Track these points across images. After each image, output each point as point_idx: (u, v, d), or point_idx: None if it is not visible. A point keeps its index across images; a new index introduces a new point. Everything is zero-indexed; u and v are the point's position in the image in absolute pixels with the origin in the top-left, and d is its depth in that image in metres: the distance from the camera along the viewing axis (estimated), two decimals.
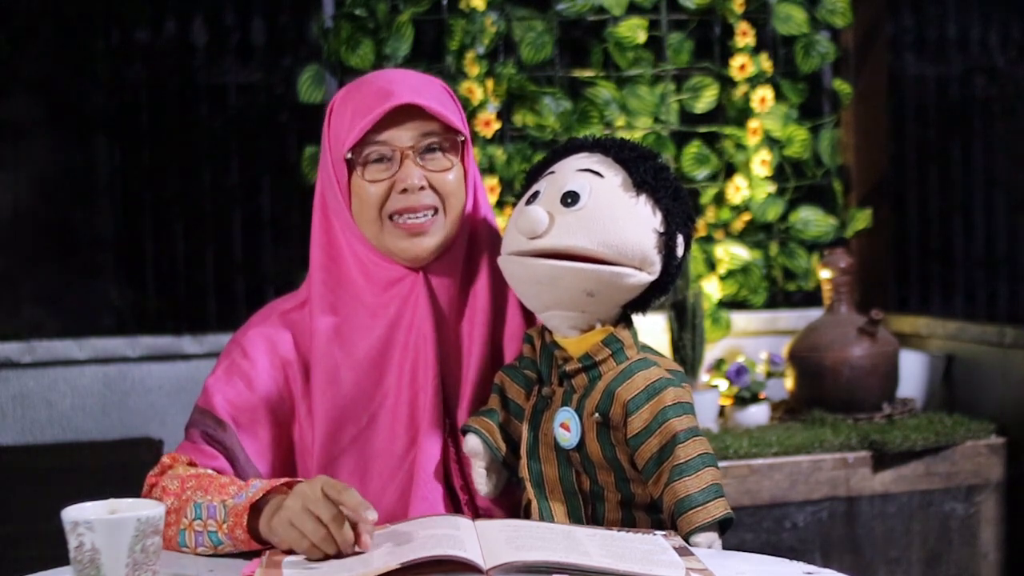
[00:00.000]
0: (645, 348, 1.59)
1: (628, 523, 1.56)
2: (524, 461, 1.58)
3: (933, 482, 3.05)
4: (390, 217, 1.63)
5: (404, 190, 1.61)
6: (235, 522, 1.47)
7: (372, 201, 1.62)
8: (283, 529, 1.43)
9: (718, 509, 1.49)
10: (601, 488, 1.56)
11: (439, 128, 1.63)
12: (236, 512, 1.48)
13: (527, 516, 1.58)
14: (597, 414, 1.52)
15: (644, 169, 1.53)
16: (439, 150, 1.64)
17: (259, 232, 5.28)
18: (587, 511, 1.57)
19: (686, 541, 1.48)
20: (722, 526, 1.51)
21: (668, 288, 1.58)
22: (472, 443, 1.60)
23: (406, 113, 1.61)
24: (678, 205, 1.55)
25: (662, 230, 1.53)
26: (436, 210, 1.63)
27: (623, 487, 1.55)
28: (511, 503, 1.64)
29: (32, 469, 2.98)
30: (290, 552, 1.44)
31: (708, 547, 1.48)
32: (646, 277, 1.53)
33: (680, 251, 1.56)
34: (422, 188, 1.61)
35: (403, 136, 1.62)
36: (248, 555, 1.48)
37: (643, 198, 1.53)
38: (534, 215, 1.51)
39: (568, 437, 1.55)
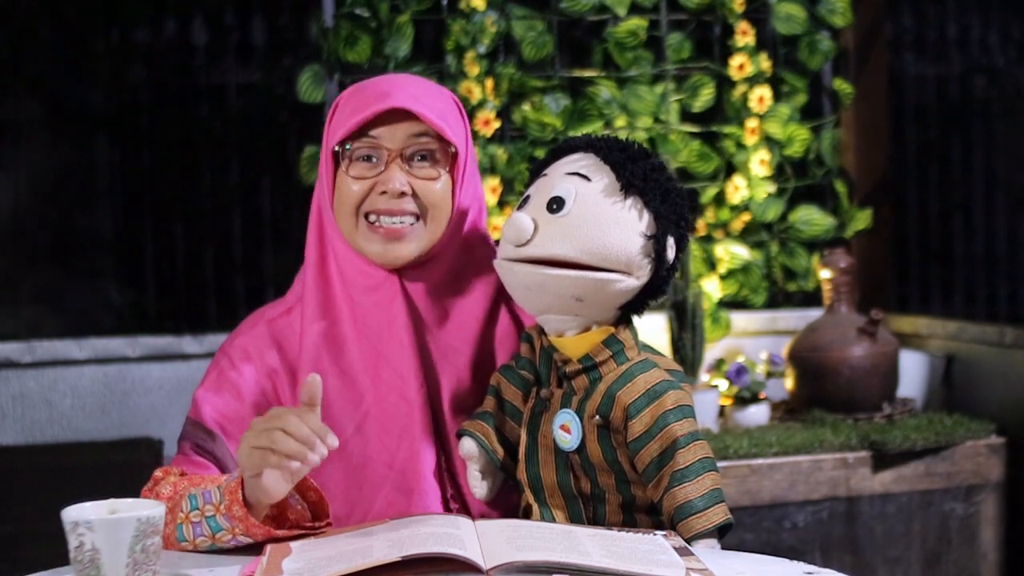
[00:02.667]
0: (645, 348, 1.58)
1: (629, 525, 1.55)
2: (522, 465, 1.58)
3: (933, 482, 3.05)
4: (366, 216, 1.62)
5: (384, 192, 1.60)
6: (231, 499, 1.47)
7: (351, 199, 1.62)
8: (246, 458, 1.43)
9: (718, 515, 1.49)
10: (602, 491, 1.55)
11: (432, 136, 1.62)
12: (230, 490, 1.47)
13: (526, 519, 1.58)
14: (598, 416, 1.52)
15: (632, 171, 1.51)
16: (428, 158, 1.63)
17: (259, 232, 5.28)
18: (588, 514, 1.56)
19: None
20: (721, 531, 1.51)
21: (662, 291, 1.56)
22: (467, 446, 1.59)
23: (402, 116, 1.60)
24: (668, 207, 1.52)
25: (650, 233, 1.51)
26: (417, 217, 1.62)
27: (624, 489, 1.55)
28: (506, 507, 1.63)
29: (32, 469, 2.98)
30: (289, 538, 1.45)
31: None
32: (634, 282, 1.51)
33: (671, 254, 1.53)
34: (403, 194, 1.60)
35: (394, 137, 1.61)
36: (248, 551, 1.48)
37: (630, 201, 1.50)
38: (519, 223, 1.50)
39: (568, 439, 1.54)
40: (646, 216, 1.51)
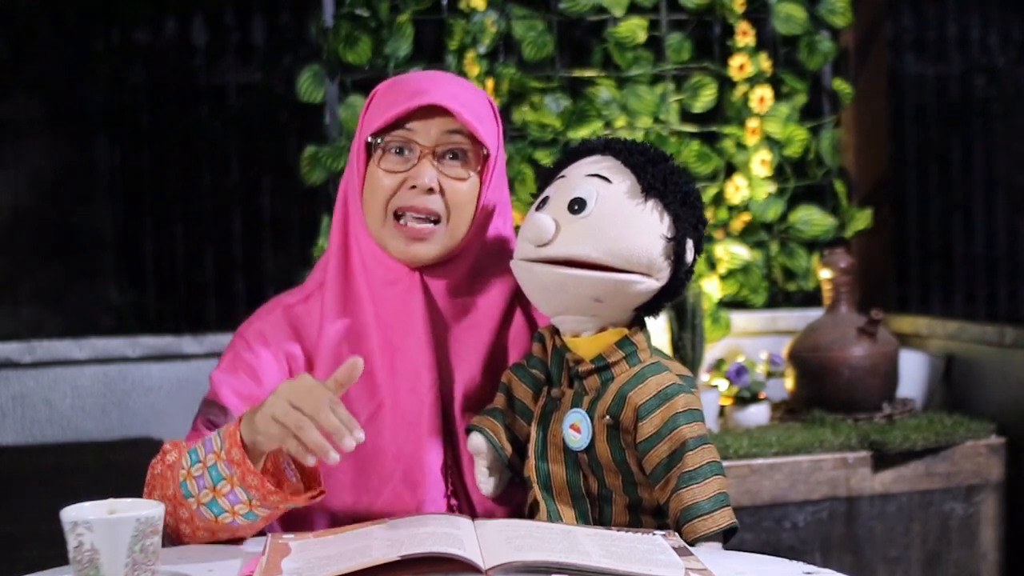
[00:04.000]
0: (657, 352, 1.59)
1: (635, 527, 1.55)
2: (532, 462, 1.58)
3: (933, 482, 3.04)
4: (395, 214, 1.63)
5: (414, 187, 1.61)
6: (230, 443, 1.46)
7: (381, 192, 1.63)
8: (264, 424, 1.42)
9: (724, 519, 1.50)
10: (609, 491, 1.56)
11: (465, 135, 1.62)
12: (229, 433, 1.47)
13: (532, 516, 1.58)
14: (608, 417, 1.52)
15: (653, 174, 1.52)
16: (460, 157, 1.63)
17: (259, 232, 5.28)
18: (594, 514, 1.57)
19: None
20: (726, 535, 1.51)
21: (679, 292, 1.57)
22: (476, 442, 1.60)
23: (437, 113, 1.61)
24: (687, 210, 1.54)
25: (670, 236, 1.52)
26: (439, 219, 1.63)
27: (631, 491, 1.55)
28: (511, 505, 1.64)
29: (32, 469, 2.98)
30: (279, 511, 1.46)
31: None
32: (654, 283, 1.53)
33: (689, 256, 1.55)
34: (431, 191, 1.61)
35: (428, 133, 1.62)
36: (248, 552, 1.48)
37: (651, 204, 1.52)
38: (541, 223, 1.51)
39: (578, 439, 1.55)
40: (667, 219, 1.52)
